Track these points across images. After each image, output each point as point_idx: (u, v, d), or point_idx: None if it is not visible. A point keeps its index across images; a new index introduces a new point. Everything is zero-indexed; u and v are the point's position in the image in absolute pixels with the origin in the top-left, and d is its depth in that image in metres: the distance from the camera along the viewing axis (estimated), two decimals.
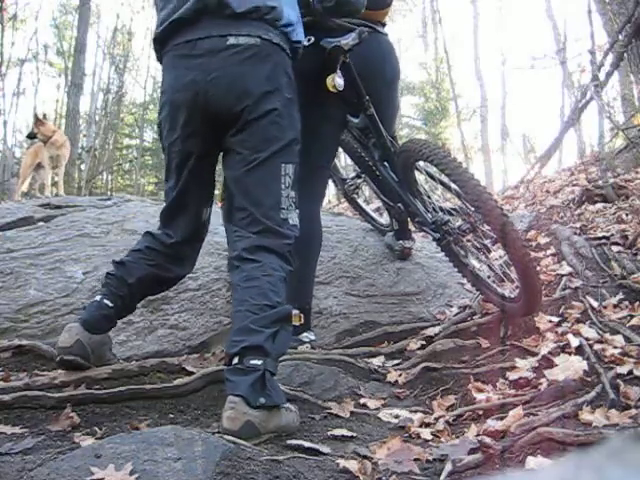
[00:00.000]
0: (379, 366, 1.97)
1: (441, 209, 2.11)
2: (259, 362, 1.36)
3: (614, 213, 3.05)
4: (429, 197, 2.17)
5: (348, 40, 1.95)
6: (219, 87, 1.56)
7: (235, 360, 1.38)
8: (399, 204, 2.29)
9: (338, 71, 1.98)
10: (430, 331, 2.20)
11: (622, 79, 6.56)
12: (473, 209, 1.93)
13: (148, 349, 2.10)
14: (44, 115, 6.31)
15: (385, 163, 2.22)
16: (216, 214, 2.93)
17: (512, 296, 2.00)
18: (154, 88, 18.06)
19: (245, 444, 1.25)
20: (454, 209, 2.10)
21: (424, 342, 2.12)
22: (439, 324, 2.28)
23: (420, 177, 2.20)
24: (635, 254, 2.43)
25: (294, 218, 1.61)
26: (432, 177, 2.16)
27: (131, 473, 1.06)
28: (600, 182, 3.58)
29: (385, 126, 2.17)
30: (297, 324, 2.11)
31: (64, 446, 1.26)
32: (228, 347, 1.45)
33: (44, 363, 1.89)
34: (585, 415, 1.33)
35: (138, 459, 1.10)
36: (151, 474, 1.07)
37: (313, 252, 2.20)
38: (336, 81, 1.97)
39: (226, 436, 1.28)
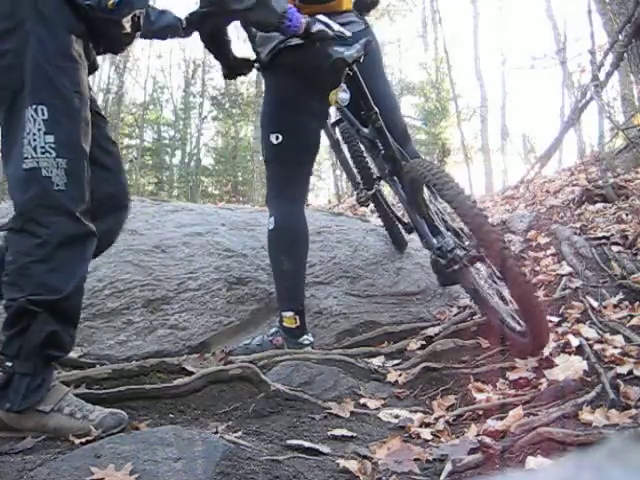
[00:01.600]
0: (379, 366, 1.97)
1: (453, 230, 1.98)
2: (9, 364, 1.32)
3: (614, 213, 3.06)
4: (438, 218, 2.04)
5: (352, 52, 1.90)
6: None
7: None
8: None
9: (342, 85, 1.94)
10: (430, 331, 2.20)
11: (622, 79, 6.56)
12: (476, 244, 1.82)
13: (148, 349, 2.10)
14: None
15: (395, 178, 2.14)
16: (216, 214, 2.94)
17: (521, 330, 1.83)
18: (154, 88, 18.09)
19: (245, 444, 1.25)
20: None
21: (424, 342, 2.12)
22: (439, 324, 2.27)
23: (429, 196, 2.08)
24: (635, 254, 2.43)
25: (51, 168, 1.33)
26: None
27: (131, 473, 1.06)
28: (600, 182, 3.58)
29: (387, 110, 2.09)
30: (293, 326, 2.08)
31: (64, 446, 1.26)
32: None
33: None
34: (585, 415, 1.33)
35: (138, 459, 1.10)
36: (151, 474, 1.07)
37: (300, 251, 2.16)
38: (339, 96, 1.93)
39: (226, 436, 1.28)
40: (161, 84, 18.97)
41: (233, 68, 2.24)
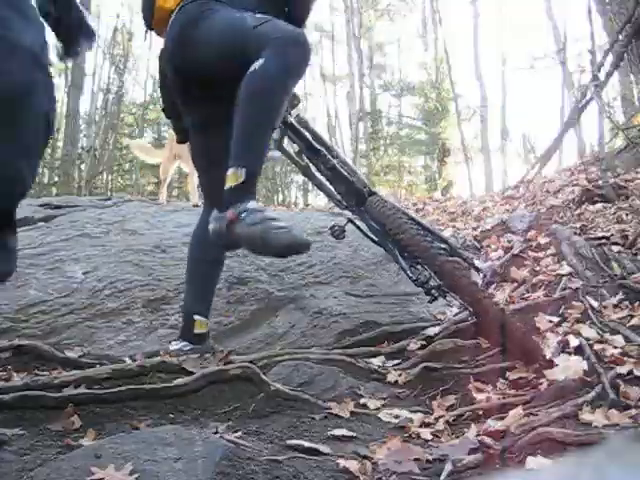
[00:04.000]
0: (379, 366, 1.97)
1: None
2: None
3: (614, 213, 3.06)
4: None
5: None
6: None
7: None
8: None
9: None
10: (430, 331, 2.19)
11: (622, 79, 6.57)
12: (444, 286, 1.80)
13: (148, 349, 2.10)
14: None
15: (362, 209, 2.10)
16: None
17: None
18: (154, 88, 18.06)
19: (245, 444, 1.25)
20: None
21: (424, 342, 2.12)
22: (439, 324, 2.27)
23: None
24: (635, 254, 2.43)
25: None
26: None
27: (131, 473, 1.06)
28: (600, 182, 3.58)
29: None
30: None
31: (64, 446, 1.26)
32: None
33: (44, 363, 1.89)
34: (585, 415, 1.33)
35: (138, 459, 1.10)
36: (151, 474, 1.07)
37: (193, 257, 2.03)
38: (269, 155, 1.92)
39: (226, 436, 1.28)
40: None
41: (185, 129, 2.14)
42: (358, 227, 2.16)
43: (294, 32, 1.67)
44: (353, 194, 2.10)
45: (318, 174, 2.19)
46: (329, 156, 2.03)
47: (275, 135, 1.93)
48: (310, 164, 2.14)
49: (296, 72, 1.68)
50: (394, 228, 1.82)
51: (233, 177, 1.56)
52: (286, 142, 2.10)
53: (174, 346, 1.98)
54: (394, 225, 1.83)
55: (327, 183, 2.29)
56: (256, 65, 1.60)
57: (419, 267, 1.94)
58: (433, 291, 1.92)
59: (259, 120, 1.63)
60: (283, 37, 1.63)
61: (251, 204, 1.55)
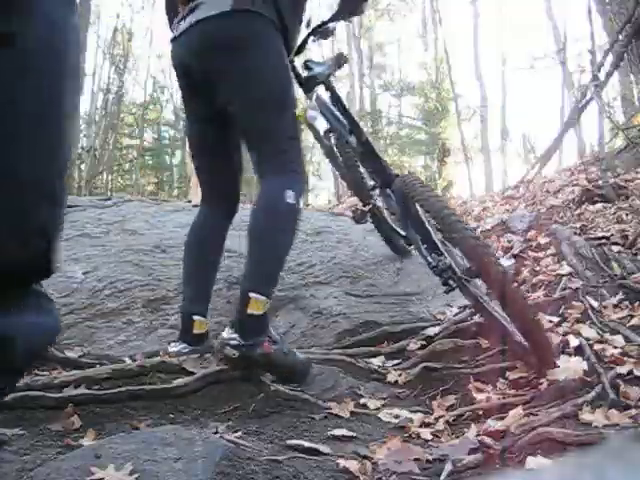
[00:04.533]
0: (379, 366, 1.97)
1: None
2: None
3: (614, 213, 3.06)
4: (434, 231, 1.94)
5: (323, 69, 1.85)
6: None
7: None
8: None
9: (311, 103, 1.89)
10: (430, 331, 2.19)
11: (622, 79, 6.57)
12: (470, 267, 1.76)
13: (148, 349, 2.10)
14: None
15: (387, 191, 2.07)
16: None
17: (527, 346, 1.73)
18: (154, 88, 18.09)
19: (245, 444, 1.25)
20: None
21: (424, 342, 2.12)
22: (439, 324, 2.27)
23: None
24: (635, 254, 2.43)
25: None
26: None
27: (131, 473, 1.06)
28: (600, 182, 3.59)
29: (254, 137, 1.79)
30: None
31: (64, 446, 1.26)
32: None
33: (44, 363, 1.89)
34: (585, 415, 1.33)
35: (138, 459, 1.10)
36: (151, 474, 1.07)
37: (189, 251, 1.99)
38: (308, 115, 1.86)
39: (226, 436, 1.28)
40: (161, 84, 18.96)
41: None
42: (378, 212, 2.12)
43: (297, 178, 1.74)
44: (381, 173, 2.05)
45: (341, 159, 2.16)
46: (362, 129, 2.01)
47: (310, 103, 1.89)
48: (334, 147, 2.10)
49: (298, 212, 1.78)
50: (422, 200, 1.76)
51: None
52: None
53: (173, 348, 1.97)
54: (423, 197, 1.76)
55: (346, 168, 2.24)
56: (262, 199, 1.77)
57: (436, 255, 1.89)
58: (450, 281, 1.87)
59: (270, 254, 1.82)
60: (291, 177, 1.73)
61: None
